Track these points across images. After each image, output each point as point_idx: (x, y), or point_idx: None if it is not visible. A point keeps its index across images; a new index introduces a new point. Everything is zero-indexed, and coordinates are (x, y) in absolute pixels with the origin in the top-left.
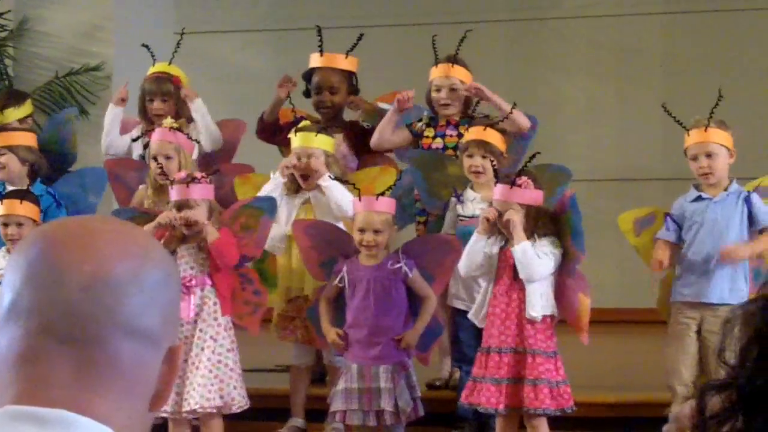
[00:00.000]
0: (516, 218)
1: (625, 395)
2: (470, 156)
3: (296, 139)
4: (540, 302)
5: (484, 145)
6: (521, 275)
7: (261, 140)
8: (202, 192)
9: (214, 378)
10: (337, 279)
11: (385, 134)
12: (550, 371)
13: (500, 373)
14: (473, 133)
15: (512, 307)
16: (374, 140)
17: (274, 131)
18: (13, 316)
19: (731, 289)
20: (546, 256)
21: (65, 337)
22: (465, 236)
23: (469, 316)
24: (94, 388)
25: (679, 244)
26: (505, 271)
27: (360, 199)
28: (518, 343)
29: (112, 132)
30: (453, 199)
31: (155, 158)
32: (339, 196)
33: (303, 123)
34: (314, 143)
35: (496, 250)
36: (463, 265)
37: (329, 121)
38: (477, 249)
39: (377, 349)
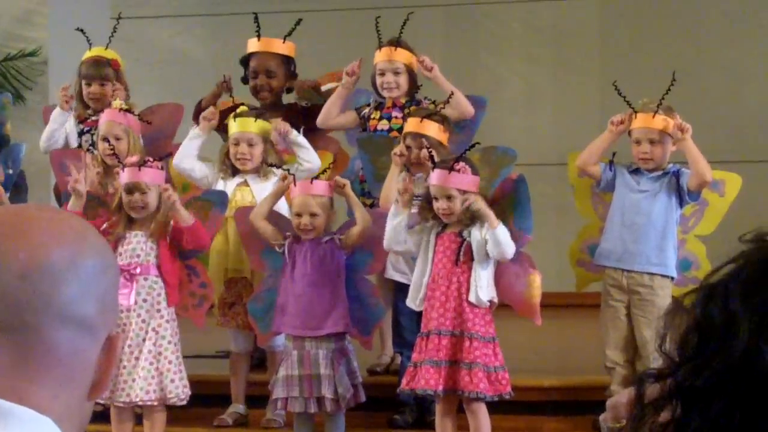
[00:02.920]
0: (482, 204)
1: (565, 379)
2: (408, 148)
3: (234, 125)
4: (486, 288)
5: (420, 138)
6: (495, 256)
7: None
8: (153, 176)
9: (155, 371)
10: (278, 246)
11: (332, 113)
12: (487, 356)
13: (439, 355)
14: (411, 124)
15: (452, 290)
16: (320, 119)
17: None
18: None
19: (655, 261)
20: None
21: (2, 326)
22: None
23: (408, 302)
24: (30, 376)
25: (603, 194)
26: (445, 255)
27: (295, 184)
28: (456, 326)
29: (56, 136)
30: (403, 174)
31: (105, 139)
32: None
33: (240, 108)
34: (252, 128)
35: (433, 236)
36: (385, 238)
37: (268, 107)
38: (397, 224)
39: (314, 321)
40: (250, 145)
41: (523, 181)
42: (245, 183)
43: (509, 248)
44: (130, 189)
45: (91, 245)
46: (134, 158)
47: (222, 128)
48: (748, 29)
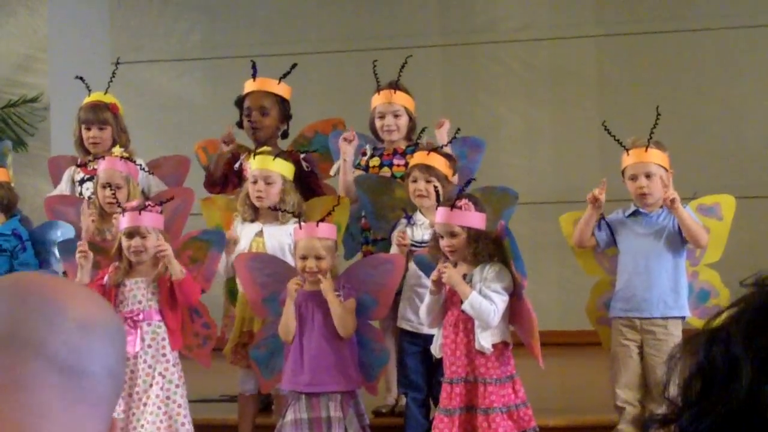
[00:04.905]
0: (451, 273)
1: (571, 418)
2: (414, 181)
3: (254, 162)
4: (490, 333)
5: (427, 170)
6: (478, 326)
7: (210, 192)
8: (153, 221)
9: (163, 415)
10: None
11: (350, 186)
12: (506, 396)
13: (452, 403)
14: (417, 157)
15: (460, 337)
16: (342, 190)
17: (223, 183)
18: None
19: (672, 305)
20: (497, 294)
21: (63, 369)
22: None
23: (431, 349)
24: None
25: (605, 250)
26: (451, 301)
27: (300, 227)
28: (468, 373)
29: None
30: (403, 221)
31: (105, 186)
32: None
33: (262, 148)
34: (271, 166)
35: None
36: (427, 322)
37: (263, 146)
38: (434, 304)
39: (321, 376)
40: (268, 183)
41: (509, 233)
42: (261, 233)
43: (487, 319)
44: (131, 233)
45: (115, 314)
46: (134, 203)
47: (231, 189)
48: (746, 65)
